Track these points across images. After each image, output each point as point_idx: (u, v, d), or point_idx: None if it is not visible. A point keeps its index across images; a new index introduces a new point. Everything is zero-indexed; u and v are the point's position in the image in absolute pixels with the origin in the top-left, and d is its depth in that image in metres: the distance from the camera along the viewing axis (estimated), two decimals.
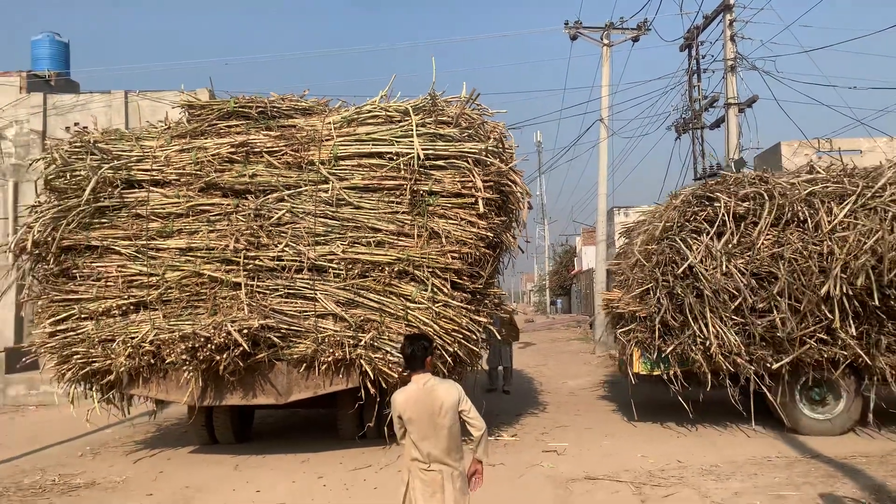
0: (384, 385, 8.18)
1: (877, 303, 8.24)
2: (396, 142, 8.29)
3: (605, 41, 21.34)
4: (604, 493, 6.79)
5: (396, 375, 8.00)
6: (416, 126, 8.24)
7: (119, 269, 8.46)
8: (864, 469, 7.28)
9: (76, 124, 18.54)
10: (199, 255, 8.35)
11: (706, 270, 8.69)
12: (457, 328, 8.10)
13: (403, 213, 8.20)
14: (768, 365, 8.61)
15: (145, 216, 8.54)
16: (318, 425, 10.50)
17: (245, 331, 7.76)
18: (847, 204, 8.67)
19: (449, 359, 8.12)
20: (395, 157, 8.23)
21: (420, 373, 4.33)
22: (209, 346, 7.71)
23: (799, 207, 8.78)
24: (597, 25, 21.51)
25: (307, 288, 8.19)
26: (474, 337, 8.25)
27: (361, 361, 8.01)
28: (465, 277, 8.26)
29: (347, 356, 7.97)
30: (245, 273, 8.20)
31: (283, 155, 8.52)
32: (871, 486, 6.71)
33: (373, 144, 8.38)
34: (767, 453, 8.10)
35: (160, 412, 10.13)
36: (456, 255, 8.10)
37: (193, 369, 7.97)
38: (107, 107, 18.81)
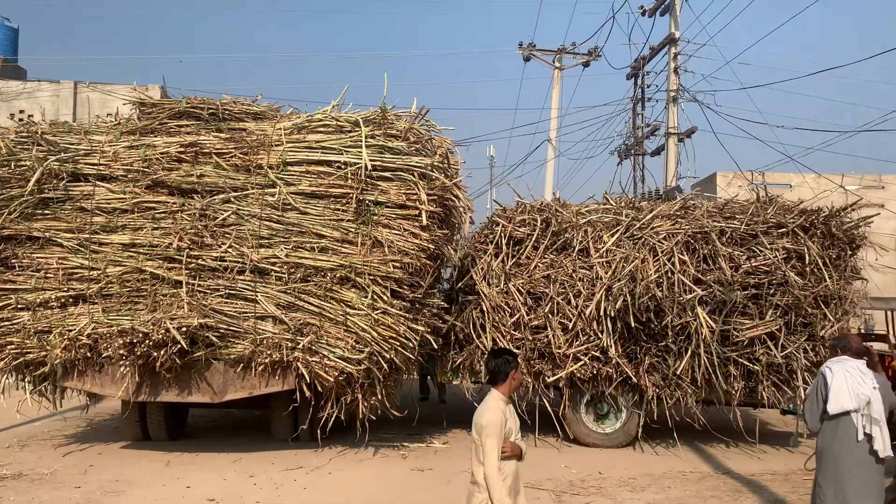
0: (320, 388, 8.34)
1: (632, 324, 8.92)
2: (345, 151, 8.48)
3: (557, 64, 21.96)
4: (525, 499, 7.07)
5: (332, 379, 8.17)
6: (366, 137, 8.44)
7: (60, 261, 8.46)
8: (768, 486, 7.74)
9: (21, 111, 18.29)
10: (142, 251, 8.41)
11: (487, 288, 9.44)
12: (394, 335, 8.30)
13: (348, 220, 8.39)
14: (546, 378, 9.28)
15: (90, 210, 8.56)
16: (251, 426, 10.57)
17: (184, 329, 7.87)
18: (616, 233, 9.39)
19: (385, 365, 8.33)
20: (342, 166, 8.43)
21: (497, 388, 4.28)
22: (147, 342, 7.79)
23: (573, 234, 9.51)
24: (550, 49, 22.12)
25: (248, 289, 8.31)
26: (411, 345, 8.47)
27: (298, 364, 8.15)
28: (406, 286, 8.47)
29: (284, 358, 8.11)
30: (187, 272, 8.28)
31: (231, 157, 8.63)
32: (773, 500, 7.18)
33: (322, 152, 8.56)
34: (683, 468, 8.53)
35: (93, 406, 10.09)
36: (397, 264, 8.32)
37: (130, 364, 8.04)
38: (54, 96, 18.57)
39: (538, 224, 9.71)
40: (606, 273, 9.09)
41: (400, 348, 8.39)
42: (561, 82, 21.79)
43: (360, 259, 8.27)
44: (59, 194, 8.60)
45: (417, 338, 8.57)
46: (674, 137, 18.10)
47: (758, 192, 10.26)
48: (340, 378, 8.24)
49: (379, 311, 8.26)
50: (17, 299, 8.40)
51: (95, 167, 8.68)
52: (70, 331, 8.12)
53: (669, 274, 8.87)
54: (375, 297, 8.26)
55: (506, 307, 9.38)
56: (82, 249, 8.48)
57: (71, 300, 8.43)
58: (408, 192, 8.45)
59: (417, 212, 8.42)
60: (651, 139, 20.15)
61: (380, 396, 8.63)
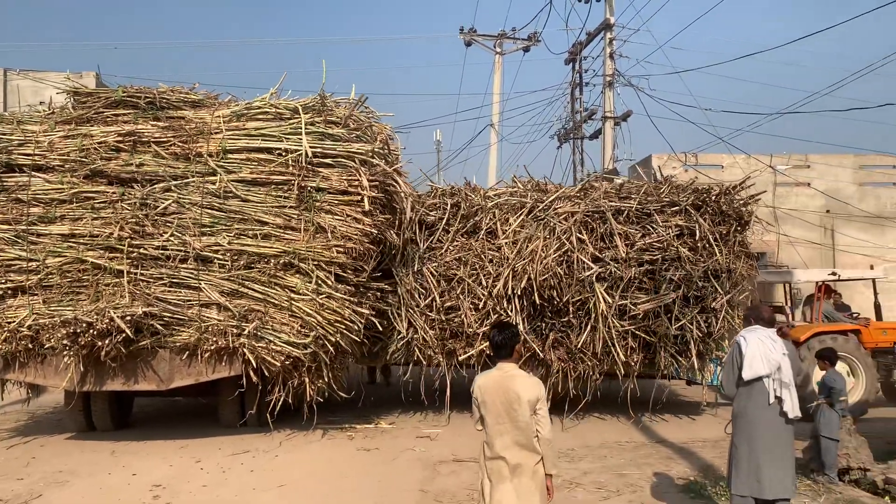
0: (267, 373, 8.46)
1: (537, 301, 9.37)
2: (285, 138, 8.55)
3: (498, 49, 22.15)
4: (468, 473, 7.34)
5: (279, 364, 8.29)
6: (305, 124, 8.53)
7: None
8: (698, 452, 8.20)
9: None
10: (82, 241, 8.37)
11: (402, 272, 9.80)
12: (340, 319, 8.46)
13: (291, 207, 8.47)
14: (458, 357, 9.71)
15: (26, 201, 8.46)
16: (198, 413, 10.61)
17: (128, 318, 7.88)
18: (520, 215, 9.86)
19: (331, 348, 8.48)
20: (283, 153, 8.50)
21: (506, 361, 4.26)
22: (91, 331, 7.79)
23: (481, 217, 9.97)
24: (490, 34, 22.30)
25: (192, 277, 8.35)
26: (356, 327, 8.64)
27: (244, 350, 8.25)
28: (349, 271, 8.61)
29: (230, 345, 8.21)
30: (129, 261, 8.29)
31: (171, 146, 8.63)
32: (702, 465, 7.61)
33: (262, 140, 8.61)
34: (619, 439, 8.94)
35: (35, 398, 9.98)
36: (341, 249, 8.45)
37: (74, 354, 8.02)
38: None
39: (448, 208, 10.05)
40: (512, 253, 9.45)
41: (345, 331, 8.55)
42: (502, 67, 22.06)
43: (304, 245, 8.37)
44: None
45: (362, 321, 8.74)
46: (610, 121, 18.43)
47: (656, 174, 10.72)
48: (287, 362, 8.37)
49: (324, 296, 8.40)
50: None
51: (30, 157, 8.57)
52: (10, 322, 8.06)
53: (569, 252, 9.26)
54: (320, 282, 8.39)
55: (420, 290, 9.66)
56: (19, 241, 8.38)
57: (9, 292, 8.35)
58: (349, 178, 8.56)
59: (359, 197, 8.54)
60: (589, 123, 20.41)
61: (327, 379, 8.78)
